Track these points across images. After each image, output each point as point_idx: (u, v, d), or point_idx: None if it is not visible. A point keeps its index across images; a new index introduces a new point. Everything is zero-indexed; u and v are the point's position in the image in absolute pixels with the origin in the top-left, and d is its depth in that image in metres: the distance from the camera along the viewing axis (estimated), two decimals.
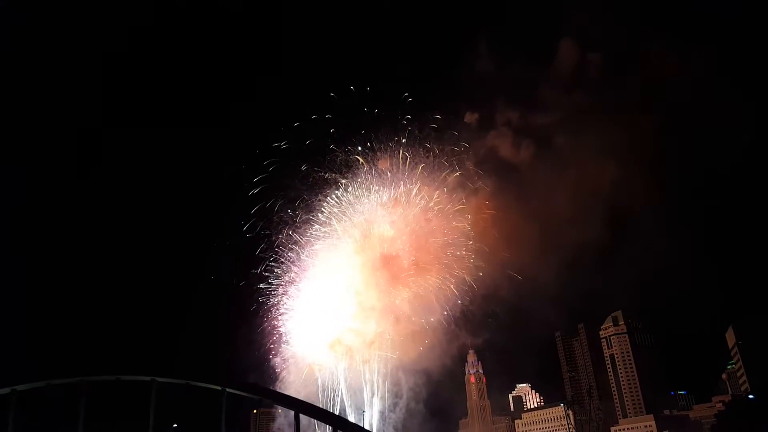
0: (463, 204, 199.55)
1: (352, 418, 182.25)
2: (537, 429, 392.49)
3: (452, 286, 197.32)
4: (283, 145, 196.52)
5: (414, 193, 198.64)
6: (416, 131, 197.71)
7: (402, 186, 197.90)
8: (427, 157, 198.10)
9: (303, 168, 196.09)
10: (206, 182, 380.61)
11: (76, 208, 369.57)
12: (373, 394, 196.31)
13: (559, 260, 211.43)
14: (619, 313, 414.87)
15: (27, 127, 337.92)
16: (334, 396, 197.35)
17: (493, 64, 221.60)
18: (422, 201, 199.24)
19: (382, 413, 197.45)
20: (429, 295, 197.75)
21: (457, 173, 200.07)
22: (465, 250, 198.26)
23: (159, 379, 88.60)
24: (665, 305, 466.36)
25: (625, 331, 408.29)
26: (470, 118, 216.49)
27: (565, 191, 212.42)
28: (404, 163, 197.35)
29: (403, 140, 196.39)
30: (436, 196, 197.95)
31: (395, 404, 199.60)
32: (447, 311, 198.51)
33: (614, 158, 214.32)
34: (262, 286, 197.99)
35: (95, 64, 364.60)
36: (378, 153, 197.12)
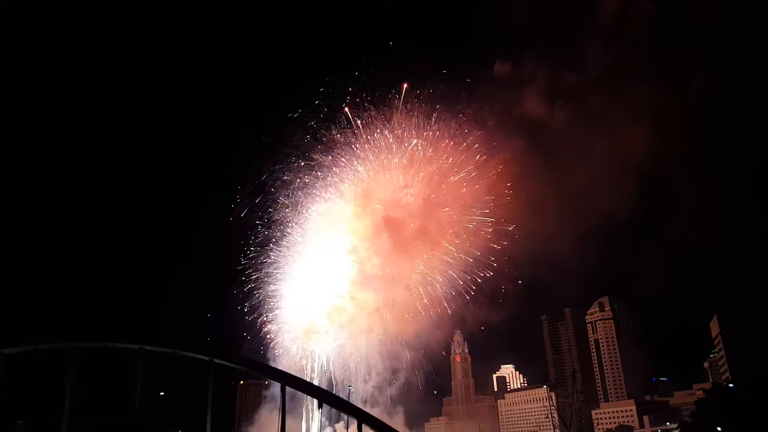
0: (482, 169, 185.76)
1: (341, 392, 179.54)
2: (519, 410, 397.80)
3: (459, 258, 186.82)
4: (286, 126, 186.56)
5: (430, 154, 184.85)
6: (440, 86, 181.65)
7: (418, 146, 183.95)
8: (450, 115, 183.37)
9: (311, 125, 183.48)
10: (201, 143, 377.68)
11: (66, 175, 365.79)
12: (368, 368, 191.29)
13: (580, 237, 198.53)
14: (605, 299, 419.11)
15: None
16: (326, 367, 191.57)
17: (528, 10, 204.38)
18: (438, 163, 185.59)
19: (377, 388, 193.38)
20: (434, 266, 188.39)
21: (480, 134, 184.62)
22: (479, 221, 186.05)
23: (147, 348, 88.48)
24: (653, 292, 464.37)
25: (611, 316, 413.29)
26: (501, 69, 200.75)
27: (596, 159, 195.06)
28: (422, 121, 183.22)
29: (421, 95, 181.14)
30: (453, 157, 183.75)
31: (393, 380, 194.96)
32: (451, 285, 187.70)
33: (653, 124, 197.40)
34: (257, 249, 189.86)
35: (91, 62, 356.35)
36: (394, 110, 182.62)
